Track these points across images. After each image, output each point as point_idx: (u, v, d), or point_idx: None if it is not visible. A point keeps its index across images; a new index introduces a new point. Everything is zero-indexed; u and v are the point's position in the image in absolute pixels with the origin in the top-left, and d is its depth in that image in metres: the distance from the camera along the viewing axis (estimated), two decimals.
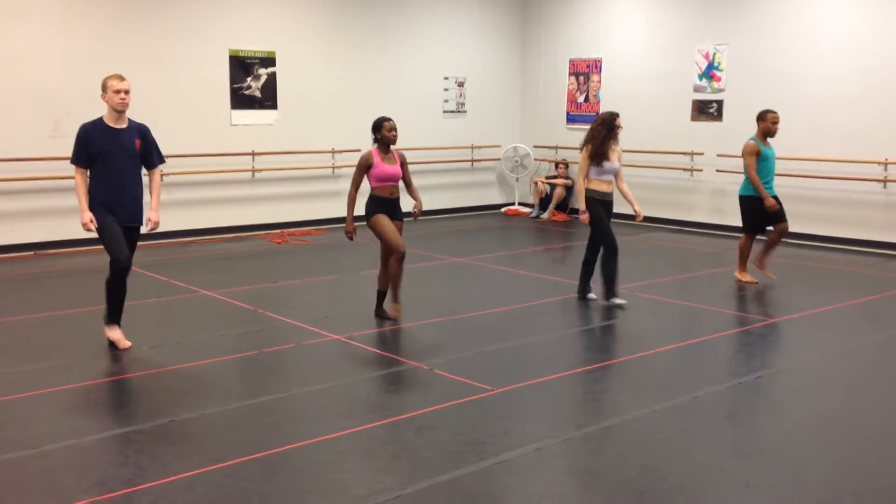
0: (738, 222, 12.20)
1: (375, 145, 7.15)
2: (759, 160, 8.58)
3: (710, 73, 12.47)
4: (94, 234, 6.18)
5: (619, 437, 4.86)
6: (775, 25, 11.75)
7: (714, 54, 12.38)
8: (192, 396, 5.44)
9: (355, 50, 12.93)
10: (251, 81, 11.93)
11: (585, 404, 5.44)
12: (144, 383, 5.71)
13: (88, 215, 6.03)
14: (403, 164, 7.21)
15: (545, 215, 13.97)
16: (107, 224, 6.09)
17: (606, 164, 7.73)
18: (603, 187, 7.81)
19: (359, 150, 12.89)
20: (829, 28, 11.24)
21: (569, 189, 14.07)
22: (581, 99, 14.19)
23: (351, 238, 7.09)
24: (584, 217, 7.79)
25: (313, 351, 6.47)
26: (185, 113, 11.40)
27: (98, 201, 6.08)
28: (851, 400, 5.66)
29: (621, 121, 7.85)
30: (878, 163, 10.68)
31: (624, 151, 13.68)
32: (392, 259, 7.06)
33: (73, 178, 6.21)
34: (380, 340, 6.68)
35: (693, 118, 12.71)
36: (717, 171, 12.36)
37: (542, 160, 14.76)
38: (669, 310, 7.80)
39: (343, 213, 12.89)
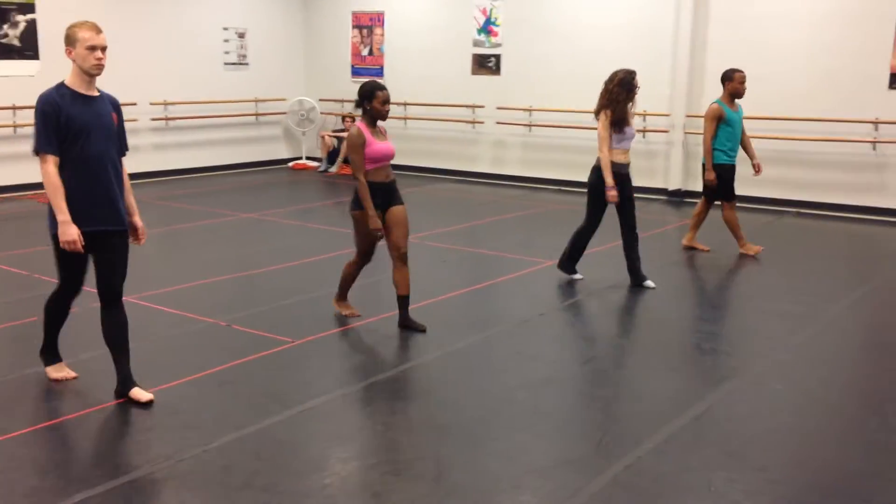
0: (517, 171, 13.01)
1: (360, 117, 5.76)
2: (722, 125, 7.89)
3: (487, 28, 12.93)
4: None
5: (419, 378, 5.10)
6: None
7: (491, 10, 12.83)
8: None
9: None
10: (8, 29, 10.94)
11: (386, 350, 5.63)
12: None
13: (76, 230, 4.34)
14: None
15: (333, 169, 13.98)
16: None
17: (628, 130, 6.85)
18: (621, 157, 6.85)
19: (134, 104, 12.28)
20: None
21: None
22: (365, 52, 14.24)
23: (379, 235, 5.73)
24: (613, 194, 6.77)
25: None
26: None
27: (71, 200, 4.35)
28: (632, 326, 6.26)
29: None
30: (640, 115, 11.61)
31: (408, 105, 14.15)
32: (394, 268, 5.77)
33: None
34: (173, 300, 6.50)
35: (473, 72, 13.15)
36: (497, 122, 12.92)
37: (329, 114, 14.72)
38: (458, 256, 8.14)
39: None
